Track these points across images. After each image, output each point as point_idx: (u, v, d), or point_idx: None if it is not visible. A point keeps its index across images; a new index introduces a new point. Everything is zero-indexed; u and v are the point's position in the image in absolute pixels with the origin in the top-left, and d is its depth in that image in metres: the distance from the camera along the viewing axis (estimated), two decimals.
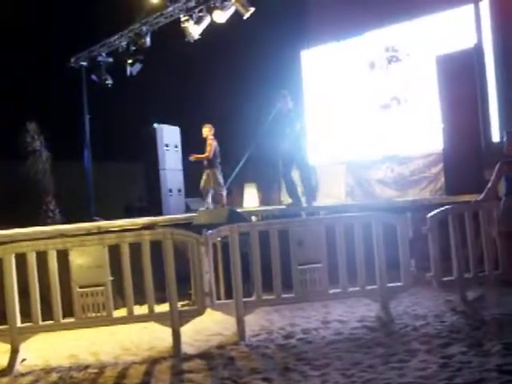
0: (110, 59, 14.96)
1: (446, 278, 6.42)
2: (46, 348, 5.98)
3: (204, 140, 11.97)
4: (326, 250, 6.13)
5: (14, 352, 5.60)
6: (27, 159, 14.33)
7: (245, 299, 5.99)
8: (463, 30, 11.70)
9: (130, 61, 14.37)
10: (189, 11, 13.37)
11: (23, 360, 5.63)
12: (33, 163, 14.19)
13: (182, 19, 13.34)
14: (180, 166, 13.53)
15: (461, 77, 10.29)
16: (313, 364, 4.92)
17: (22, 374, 5.32)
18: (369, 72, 13.81)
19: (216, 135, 12.08)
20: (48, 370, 5.37)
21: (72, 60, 15.26)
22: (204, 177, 11.94)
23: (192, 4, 13.31)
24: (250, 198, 14.98)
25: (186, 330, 5.84)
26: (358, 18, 13.32)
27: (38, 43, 14.35)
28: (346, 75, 14.11)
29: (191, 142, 12.90)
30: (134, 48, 14.18)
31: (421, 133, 12.46)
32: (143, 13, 13.94)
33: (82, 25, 14.52)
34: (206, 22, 13.13)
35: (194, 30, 13.22)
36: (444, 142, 10.65)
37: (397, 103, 13.33)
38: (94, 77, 15.03)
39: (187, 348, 5.67)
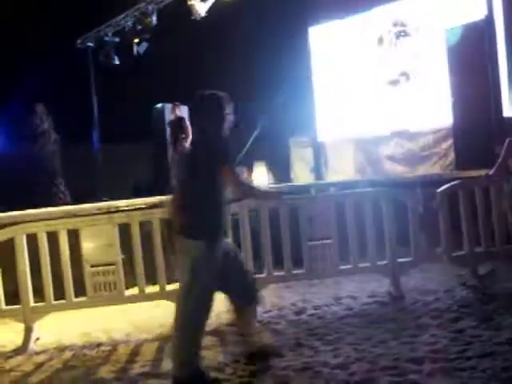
0: (117, 39, 14.88)
1: (456, 253, 6.41)
2: (59, 326, 6.04)
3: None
4: (336, 227, 6.13)
5: (28, 331, 5.66)
6: (36, 141, 14.33)
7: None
8: (472, 2, 11.53)
9: (136, 40, 14.29)
10: None
11: (37, 339, 5.70)
12: (42, 145, 14.19)
13: None
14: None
15: (471, 50, 10.18)
16: (324, 339, 4.95)
17: (36, 353, 5.39)
18: (377, 47, 13.66)
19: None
20: (61, 349, 5.44)
21: (79, 41, 15.20)
22: None
23: None
24: (260, 176, 14.96)
25: None
26: None
27: (44, 24, 14.28)
28: (354, 51, 13.97)
29: None
30: (140, 27, 14.08)
31: (430, 108, 12.34)
32: None
33: (88, 5, 14.44)
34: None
35: (201, 8, 13.10)
36: (454, 117, 10.57)
37: (405, 78, 13.20)
38: (100, 57, 14.97)
39: None
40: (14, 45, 13.96)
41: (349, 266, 6.19)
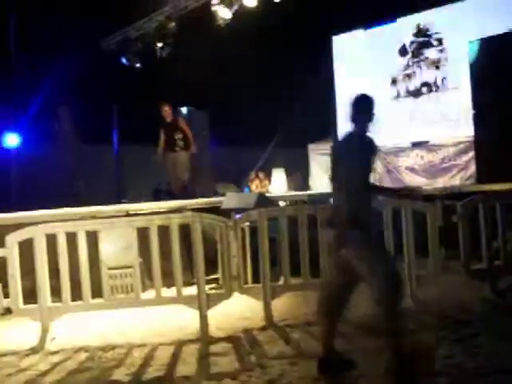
0: (140, 43, 14.98)
1: (475, 267, 6.34)
2: (76, 327, 6.06)
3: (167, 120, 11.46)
4: None
5: (44, 331, 5.69)
6: (57, 142, 14.47)
7: (272, 283, 6.00)
8: (496, 15, 11.47)
9: (159, 44, 14.38)
10: None
11: (53, 339, 5.73)
12: (63, 146, 14.32)
13: (213, 2, 13.27)
14: (208, 151, 13.53)
15: (493, 63, 10.10)
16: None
17: (52, 353, 5.42)
18: (400, 57, 13.64)
19: (243, 119, 12.02)
20: (77, 349, 5.46)
21: (102, 43, 15.31)
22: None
23: None
24: (278, 183, 14.96)
25: (214, 313, 5.86)
26: (390, 4, 13.13)
27: (67, 26, 14.39)
28: (377, 60, 13.95)
29: (220, 127, 12.91)
30: (163, 31, 14.16)
31: (451, 120, 12.29)
32: None
33: (112, 8, 14.53)
34: (237, 5, 13.05)
35: (225, 14, 13.16)
36: (475, 130, 10.49)
37: (427, 90, 13.16)
38: (123, 60, 15.08)
39: (214, 331, 5.71)
40: (36, 47, 14.08)
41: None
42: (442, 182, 12.33)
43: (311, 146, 16.00)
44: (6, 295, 5.79)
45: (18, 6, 14.45)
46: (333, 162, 4.51)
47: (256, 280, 6.17)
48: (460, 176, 12.25)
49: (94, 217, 7.22)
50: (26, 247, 5.79)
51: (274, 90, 14.72)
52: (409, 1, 13.22)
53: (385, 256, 4.34)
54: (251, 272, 6.58)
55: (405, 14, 13.38)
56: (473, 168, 11.36)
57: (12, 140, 14.58)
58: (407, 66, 13.50)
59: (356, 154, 4.37)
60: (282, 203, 9.81)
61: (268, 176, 15.39)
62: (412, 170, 13.15)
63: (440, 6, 12.74)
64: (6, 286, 5.78)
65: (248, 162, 15.66)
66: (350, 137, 4.51)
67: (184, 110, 13.41)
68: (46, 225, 5.95)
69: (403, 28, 13.55)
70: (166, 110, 11.37)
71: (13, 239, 5.76)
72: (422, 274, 6.19)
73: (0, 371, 5.00)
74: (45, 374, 4.90)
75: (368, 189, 4.45)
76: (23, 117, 14.56)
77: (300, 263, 6.03)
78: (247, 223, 6.49)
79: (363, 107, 4.55)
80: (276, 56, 14.57)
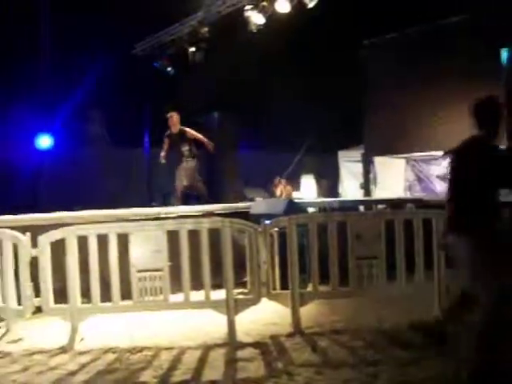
0: (173, 47, 15.10)
1: None
2: (104, 328, 6.11)
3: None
4: (384, 245, 6.04)
5: (74, 331, 5.75)
6: (90, 145, 14.66)
7: (301, 290, 5.98)
8: None
9: (192, 49, 14.47)
10: (252, 0, 13.34)
11: (82, 339, 5.78)
12: (95, 148, 14.50)
13: (246, 8, 13.32)
14: (238, 154, 13.56)
15: None
16: (366, 360, 4.88)
17: (81, 353, 5.46)
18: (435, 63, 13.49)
19: (275, 123, 12.00)
20: (105, 350, 5.50)
21: (135, 48, 15.48)
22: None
23: None
24: (308, 189, 14.94)
25: (242, 319, 5.86)
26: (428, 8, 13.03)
27: (101, 31, 14.56)
28: (410, 67, 13.83)
29: (250, 131, 12.91)
30: (196, 36, 14.26)
31: None
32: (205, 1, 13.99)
33: (144, 13, 14.67)
34: (270, 11, 13.07)
35: (258, 19, 13.19)
36: (507, 139, 10.32)
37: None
38: (156, 64, 15.22)
39: (242, 336, 5.71)
40: (70, 49, 14.27)
41: (396, 286, 6.08)
42: None
43: (341, 153, 15.94)
44: (37, 294, 5.87)
45: (51, 7, 14.67)
46: (454, 168, 4.40)
47: (284, 286, 6.15)
48: None
49: (124, 219, 7.27)
50: (58, 247, 5.87)
51: (305, 95, 14.71)
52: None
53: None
54: (280, 278, 6.55)
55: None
56: None
57: (45, 141, 14.81)
58: (440, 73, 13.33)
59: (487, 161, 4.20)
60: (311, 209, 9.78)
61: (291, 182, 15.36)
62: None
63: None
64: (37, 285, 5.86)
65: (278, 166, 15.66)
66: (478, 142, 4.36)
67: (215, 114, 13.44)
68: (77, 226, 6.02)
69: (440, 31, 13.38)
70: (173, 119, 10.96)
71: (45, 240, 5.85)
72: None
73: (30, 369, 5.07)
74: (73, 373, 4.95)
75: (496, 198, 4.29)
76: (56, 119, 14.78)
77: (329, 270, 6.00)
78: (276, 229, 6.48)
79: (492, 112, 4.40)
80: (308, 61, 14.57)
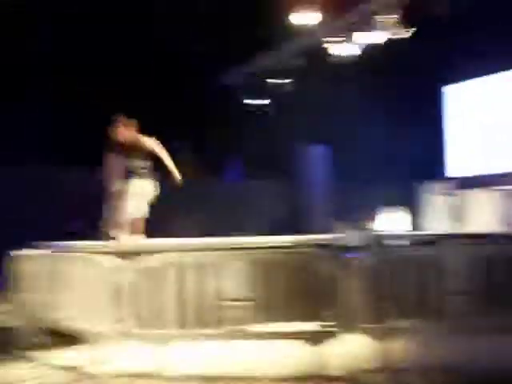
0: (259, 78, 15.30)
1: None
2: (188, 355, 6.11)
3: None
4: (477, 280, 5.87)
5: (159, 355, 5.80)
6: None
7: (391, 325, 5.86)
8: None
9: (283, 80, 14.63)
10: (337, 33, 13.41)
11: (166, 364, 5.79)
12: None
13: (331, 40, 13.40)
14: (326, 186, 13.57)
15: None
16: None
17: (166, 378, 5.49)
18: None
19: (360, 156, 11.92)
20: (191, 378, 5.51)
21: (221, 79, 15.77)
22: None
23: (341, 25, 13.32)
24: (396, 222, 14.76)
25: (329, 351, 5.78)
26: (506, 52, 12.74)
27: (186, 63, 14.82)
28: (491, 110, 13.59)
29: (340, 162, 12.84)
30: (284, 68, 14.43)
31: None
32: (293, 33, 14.16)
33: (231, 43, 14.93)
34: (366, 42, 13.09)
35: (337, 51, 13.26)
36: None
37: None
38: (245, 95, 15.42)
39: (329, 369, 5.63)
40: (157, 83, 14.62)
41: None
42: None
43: (425, 186, 15.68)
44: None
45: None
46: None
47: (374, 320, 6.04)
48: None
49: (214, 248, 7.36)
50: (151, 273, 6.00)
51: (388, 127, 14.59)
52: None
53: None
54: (370, 311, 6.44)
55: None
56: None
57: None
58: None
59: None
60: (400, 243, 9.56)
61: (375, 214, 15.17)
62: None
63: None
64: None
65: (362, 198, 15.50)
66: None
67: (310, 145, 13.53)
68: (171, 253, 6.15)
69: None
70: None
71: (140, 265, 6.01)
72: None
73: None
74: None
75: None
76: None
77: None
78: (365, 261, 6.39)
79: None
80: (396, 92, 14.49)
